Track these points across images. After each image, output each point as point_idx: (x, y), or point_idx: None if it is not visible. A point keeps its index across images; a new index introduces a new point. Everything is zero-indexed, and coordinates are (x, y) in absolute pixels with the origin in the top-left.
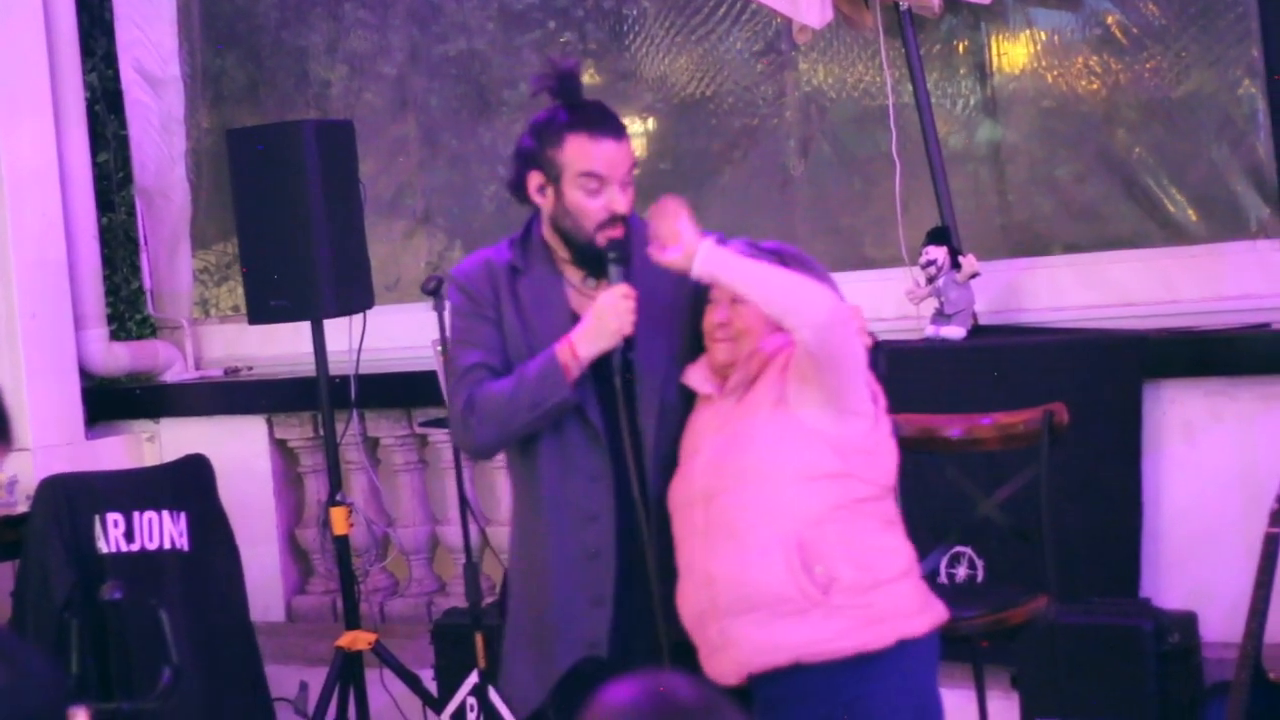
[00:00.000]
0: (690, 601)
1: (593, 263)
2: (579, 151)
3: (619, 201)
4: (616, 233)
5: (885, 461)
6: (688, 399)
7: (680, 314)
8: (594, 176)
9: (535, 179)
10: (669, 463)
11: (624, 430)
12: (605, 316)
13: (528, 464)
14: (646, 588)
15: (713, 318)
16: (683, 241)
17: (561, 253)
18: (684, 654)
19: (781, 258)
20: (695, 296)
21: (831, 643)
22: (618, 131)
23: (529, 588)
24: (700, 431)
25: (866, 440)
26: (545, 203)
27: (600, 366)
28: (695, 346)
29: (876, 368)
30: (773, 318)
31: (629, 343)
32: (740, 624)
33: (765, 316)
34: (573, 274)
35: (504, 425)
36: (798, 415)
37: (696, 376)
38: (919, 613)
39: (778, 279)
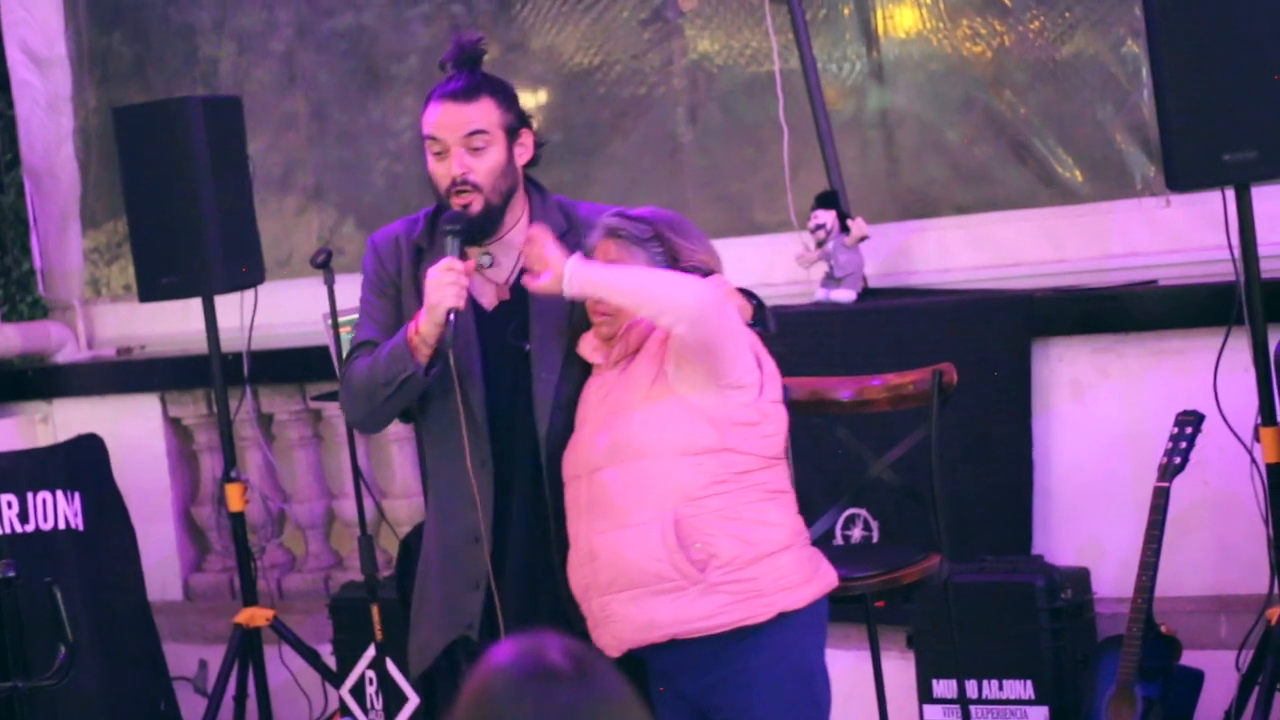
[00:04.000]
0: (576, 574)
1: (463, 231)
2: (425, 116)
3: (454, 165)
4: (466, 200)
5: (770, 431)
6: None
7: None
8: (433, 140)
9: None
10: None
11: (459, 405)
12: (429, 291)
13: (425, 445)
14: (520, 572)
15: None
16: (550, 265)
17: None
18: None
19: (653, 225)
20: None
21: (707, 620)
22: (466, 96)
23: (427, 564)
24: (589, 402)
25: (748, 412)
26: None
27: (491, 354)
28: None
29: (765, 328)
30: (647, 319)
31: (508, 316)
32: (618, 601)
33: None
34: (470, 252)
35: (369, 400)
36: (676, 391)
37: (587, 346)
38: (802, 584)
39: (645, 282)
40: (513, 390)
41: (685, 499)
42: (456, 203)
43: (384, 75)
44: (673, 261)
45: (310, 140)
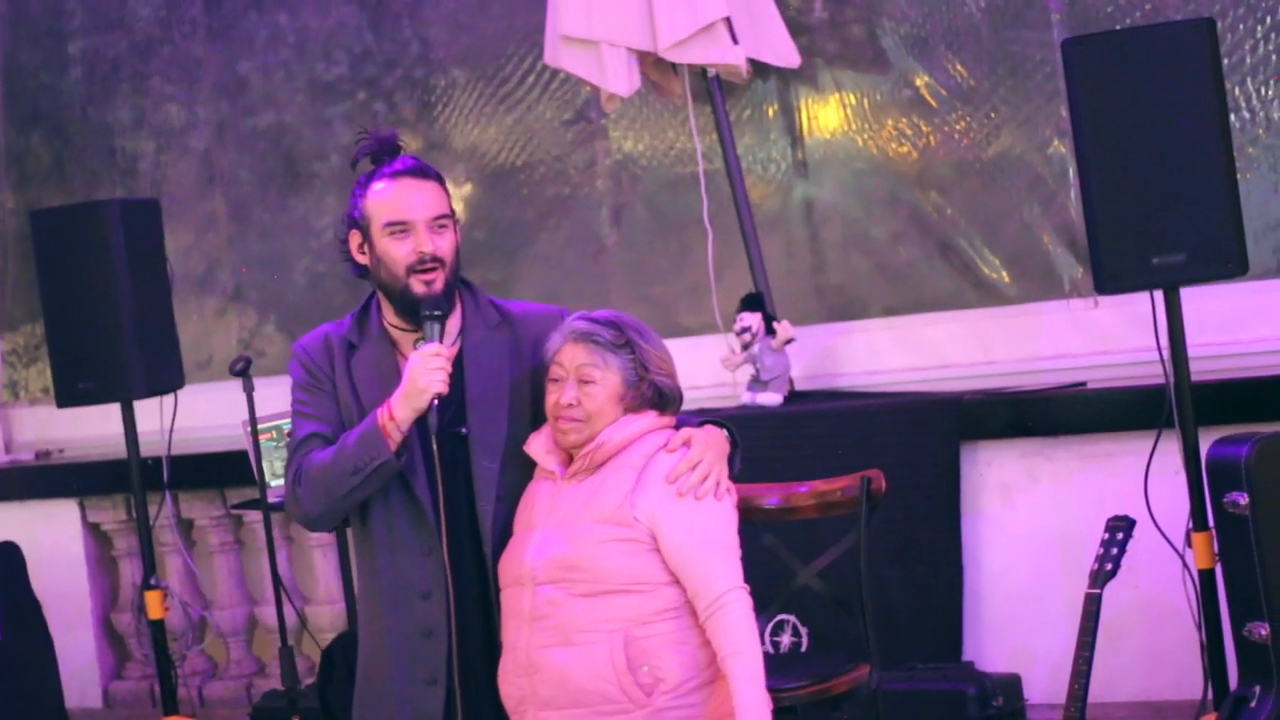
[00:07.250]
0: (511, 683)
1: (414, 314)
2: (379, 198)
3: (425, 241)
4: (431, 277)
5: None
6: (530, 473)
7: (520, 392)
8: (396, 223)
9: (355, 238)
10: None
11: (440, 500)
12: (415, 375)
13: (364, 536)
14: (480, 666)
15: (560, 399)
16: None
17: (391, 317)
18: None
19: (623, 330)
20: (535, 373)
21: None
22: (423, 174)
23: (371, 662)
24: (536, 506)
25: None
26: (367, 260)
27: (428, 440)
28: (538, 421)
29: (732, 467)
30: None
31: (444, 403)
32: (557, 718)
33: (616, 398)
34: (406, 344)
35: (329, 492)
36: (642, 527)
37: (539, 448)
38: None
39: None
40: (451, 475)
41: (635, 623)
42: (419, 280)
43: (304, 173)
44: (642, 370)
45: (230, 240)
